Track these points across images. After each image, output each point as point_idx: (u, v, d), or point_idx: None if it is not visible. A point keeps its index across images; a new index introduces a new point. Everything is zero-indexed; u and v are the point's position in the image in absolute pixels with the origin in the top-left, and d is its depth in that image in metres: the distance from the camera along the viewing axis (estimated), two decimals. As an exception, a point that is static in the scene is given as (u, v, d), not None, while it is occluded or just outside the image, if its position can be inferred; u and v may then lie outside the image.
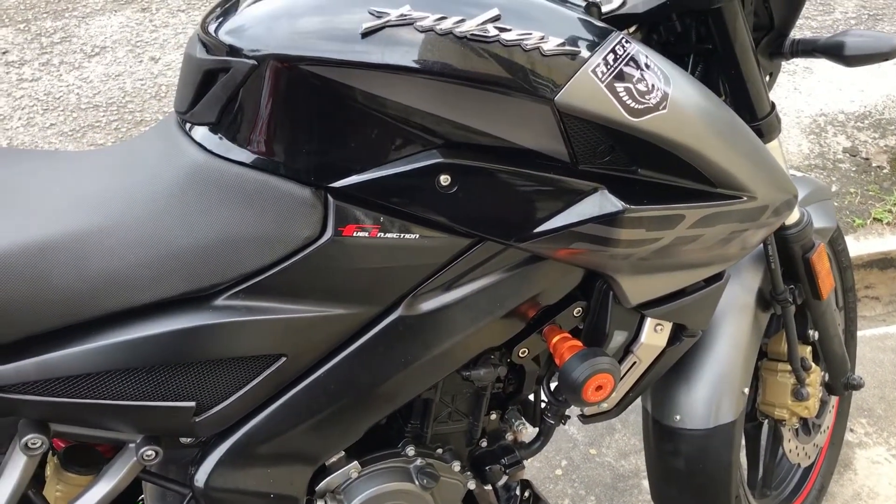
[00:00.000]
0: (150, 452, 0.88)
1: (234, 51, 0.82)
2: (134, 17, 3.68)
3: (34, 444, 0.83)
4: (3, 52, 3.40)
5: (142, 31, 3.58)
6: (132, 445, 0.89)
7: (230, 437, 0.91)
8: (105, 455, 0.94)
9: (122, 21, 3.65)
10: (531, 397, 1.18)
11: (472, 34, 0.79)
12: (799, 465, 1.68)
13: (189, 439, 0.94)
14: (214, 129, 0.86)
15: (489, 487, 1.19)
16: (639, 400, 1.35)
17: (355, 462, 1.02)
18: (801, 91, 3.34)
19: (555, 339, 1.01)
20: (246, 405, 0.90)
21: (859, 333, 2.15)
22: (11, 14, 3.70)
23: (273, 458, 0.94)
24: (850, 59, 1.09)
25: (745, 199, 0.96)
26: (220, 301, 0.84)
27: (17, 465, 0.85)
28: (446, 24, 0.79)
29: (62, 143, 2.89)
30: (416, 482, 1.05)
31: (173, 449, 0.93)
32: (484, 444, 1.17)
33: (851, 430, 2.02)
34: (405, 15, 0.79)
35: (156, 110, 3.07)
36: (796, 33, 1.15)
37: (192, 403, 0.86)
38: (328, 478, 1.01)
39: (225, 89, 0.83)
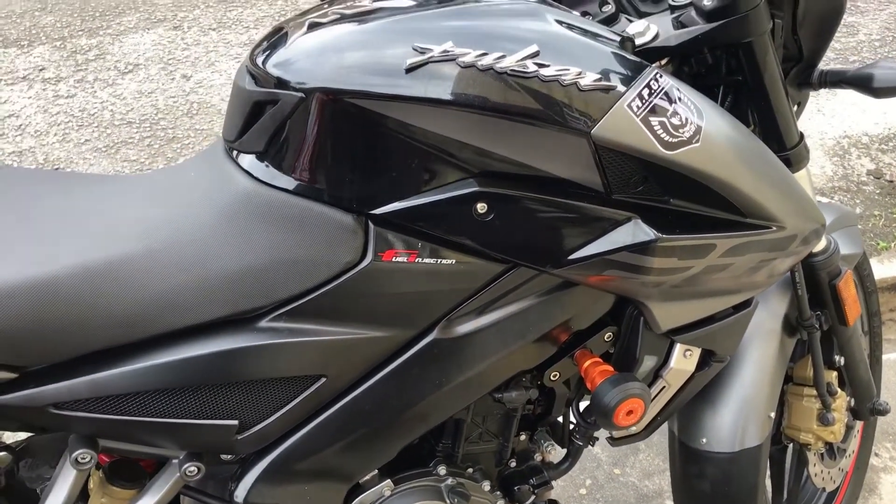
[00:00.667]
0: (192, 468, 0.91)
1: (281, 83, 0.85)
2: (166, 35, 3.75)
3: (83, 458, 0.86)
4: (40, 69, 3.48)
5: (174, 48, 3.64)
6: (175, 461, 0.92)
7: (269, 455, 0.94)
8: (147, 470, 0.97)
9: (155, 39, 3.72)
10: (560, 419, 1.20)
11: (511, 70, 0.82)
12: (824, 489, 1.68)
13: (230, 456, 0.96)
14: (261, 157, 0.89)
15: (518, 506, 1.21)
16: (666, 422, 1.36)
17: (388, 480, 1.04)
18: (825, 113, 3.34)
19: (586, 364, 1.03)
20: (285, 424, 0.92)
21: (885, 357, 2.15)
22: (48, 32, 3.78)
23: (309, 476, 0.97)
24: (879, 91, 1.10)
25: (775, 228, 0.98)
26: (263, 323, 0.87)
27: (68, 478, 0.88)
28: (487, 60, 0.81)
29: (96, 159, 2.95)
30: (448, 501, 1.06)
31: (214, 465, 0.96)
32: (513, 464, 1.19)
33: (876, 455, 2.01)
34: (448, 51, 0.82)
35: (187, 127, 3.13)
36: (831, 66, 1.17)
37: (235, 422, 0.89)
38: (362, 495, 1.03)
39: (273, 120, 0.86)
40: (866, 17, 4.03)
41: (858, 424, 1.72)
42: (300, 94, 0.83)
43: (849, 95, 3.41)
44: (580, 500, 1.89)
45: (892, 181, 2.94)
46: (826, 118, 3.30)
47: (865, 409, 1.55)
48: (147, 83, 3.39)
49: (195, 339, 0.86)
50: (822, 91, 3.44)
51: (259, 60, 0.90)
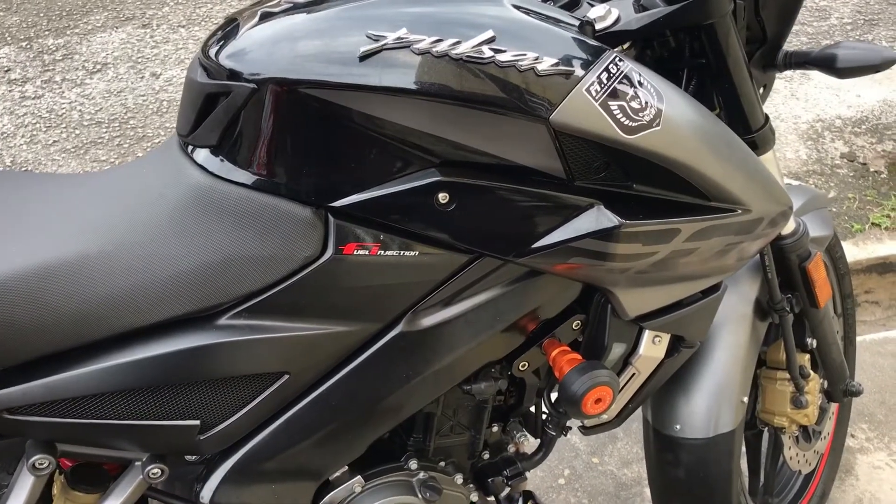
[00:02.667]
0: (155, 470, 0.90)
1: (234, 75, 0.84)
2: (135, 33, 3.71)
3: (41, 464, 0.84)
4: (6, 71, 3.42)
5: (143, 47, 3.60)
6: (138, 464, 0.91)
7: (234, 454, 0.93)
8: (111, 473, 0.95)
9: (123, 38, 3.67)
10: (532, 409, 1.19)
11: (467, 56, 0.80)
12: (800, 471, 1.69)
13: (194, 457, 0.95)
14: (216, 151, 0.87)
15: (492, 499, 1.20)
16: (640, 409, 1.36)
17: (359, 476, 1.03)
18: (799, 97, 3.35)
19: (554, 353, 1.02)
20: (250, 423, 0.91)
21: (859, 338, 2.17)
22: (14, 32, 3.72)
23: (277, 474, 0.96)
24: (843, 72, 1.10)
25: (740, 211, 0.98)
26: (223, 320, 0.85)
27: (25, 485, 0.86)
28: (442, 47, 0.80)
29: (65, 161, 2.91)
30: (420, 495, 1.06)
31: (179, 466, 0.94)
32: (486, 456, 1.18)
33: (852, 436, 2.02)
34: (402, 38, 0.80)
35: (157, 126, 3.09)
36: (792, 40, 1.17)
37: (197, 422, 0.87)
38: (332, 492, 1.02)
39: (226, 113, 0.84)
40: (837, 2, 4.05)
41: (833, 407, 1.72)
42: (252, 86, 0.82)
43: (822, 79, 3.43)
44: (559, 490, 1.89)
45: (865, 164, 2.96)
46: (800, 102, 3.32)
47: (839, 391, 1.56)
48: (116, 82, 3.35)
49: (153, 338, 0.84)
50: (796, 76, 3.48)
51: (211, 52, 0.88)
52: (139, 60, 3.50)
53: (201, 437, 0.88)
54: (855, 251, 2.53)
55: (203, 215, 0.85)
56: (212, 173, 0.87)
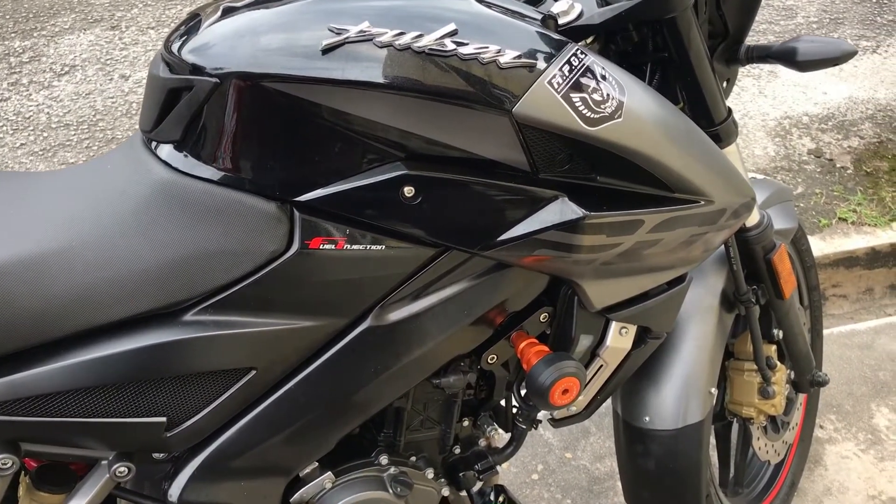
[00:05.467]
0: (122, 469, 0.89)
1: (196, 69, 0.83)
2: (103, 35, 3.67)
3: (5, 464, 0.83)
4: (-29, 73, 3.38)
5: (111, 49, 3.57)
6: (104, 462, 0.90)
7: (203, 452, 0.92)
8: (78, 473, 0.94)
9: (92, 39, 3.64)
10: (503, 403, 1.19)
11: (430, 49, 0.81)
12: (769, 462, 1.71)
13: (162, 454, 0.94)
14: (179, 146, 0.87)
15: (464, 493, 1.20)
16: (611, 402, 1.37)
17: (329, 472, 1.03)
18: (767, 95, 3.39)
19: (522, 345, 1.02)
20: (217, 419, 0.90)
21: (827, 331, 2.20)
22: (-22, 34, 3.68)
23: (246, 471, 0.95)
24: (803, 65, 1.11)
25: (703, 203, 0.99)
26: (188, 316, 0.85)
27: (-11, 485, 0.85)
28: (405, 40, 0.80)
29: (33, 163, 2.88)
30: (390, 491, 1.05)
31: (146, 464, 0.94)
32: (457, 450, 1.18)
33: (821, 427, 2.05)
34: (364, 31, 0.80)
35: (127, 128, 3.06)
36: (760, 38, 1.18)
37: (163, 419, 0.87)
38: (302, 489, 1.01)
39: (188, 107, 0.84)
40: (803, 0, 4.10)
41: (801, 397, 1.75)
42: (215, 80, 0.82)
43: (790, 76, 3.47)
44: (532, 485, 1.89)
45: (831, 160, 3.00)
46: (768, 100, 3.35)
47: (805, 381, 1.58)
48: (84, 84, 3.31)
49: (117, 335, 0.83)
50: (764, 74, 3.52)
51: (174, 47, 0.88)
52: (108, 62, 3.47)
53: (168, 435, 0.88)
54: (822, 245, 2.56)
55: (167, 211, 0.85)
56: (175, 169, 0.86)
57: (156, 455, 0.94)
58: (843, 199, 2.77)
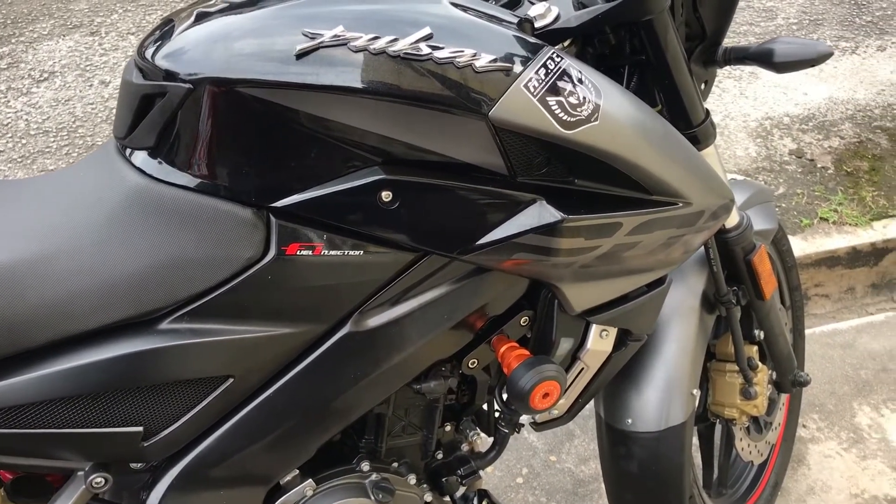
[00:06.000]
0: (99, 480, 0.88)
1: (169, 75, 0.83)
2: (83, 41, 3.65)
3: (-21, 476, 0.82)
4: (-51, 80, 3.35)
5: (91, 55, 3.54)
6: (81, 473, 0.89)
7: (181, 461, 0.91)
8: (54, 485, 0.93)
9: (71, 45, 3.61)
10: (485, 407, 1.19)
11: (405, 53, 0.80)
12: (752, 462, 1.71)
13: (139, 464, 0.93)
14: (153, 153, 0.86)
15: (447, 499, 1.20)
16: (593, 405, 1.37)
17: (310, 480, 1.02)
18: (748, 96, 3.40)
19: (502, 349, 1.02)
20: (195, 428, 0.90)
21: (810, 331, 2.21)
22: (-44, 41, 3.65)
23: (226, 480, 0.94)
24: (780, 66, 1.12)
25: (681, 205, 0.99)
26: (164, 325, 0.84)
27: (-37, 498, 0.84)
28: (379, 44, 0.80)
29: (11, 170, 2.85)
30: (372, 497, 1.05)
31: (123, 475, 0.93)
32: (440, 455, 1.18)
33: (804, 426, 2.06)
34: (338, 36, 0.80)
35: (107, 134, 3.04)
36: (740, 39, 1.19)
37: (140, 428, 0.86)
38: (283, 497, 1.01)
39: (162, 114, 0.83)
40: (784, 2, 4.12)
41: (784, 397, 1.75)
42: (188, 86, 0.81)
43: (770, 78, 3.49)
44: (517, 489, 1.89)
45: (812, 160, 3.01)
46: (749, 101, 3.37)
47: (787, 382, 1.59)
48: (64, 91, 3.29)
49: (92, 344, 0.82)
50: (745, 76, 3.53)
51: (147, 53, 0.87)
52: (87, 68, 3.44)
53: (145, 444, 0.87)
54: (804, 245, 2.57)
55: (141, 218, 0.84)
56: (150, 176, 0.86)
57: (133, 465, 0.93)
58: (825, 198, 2.79)
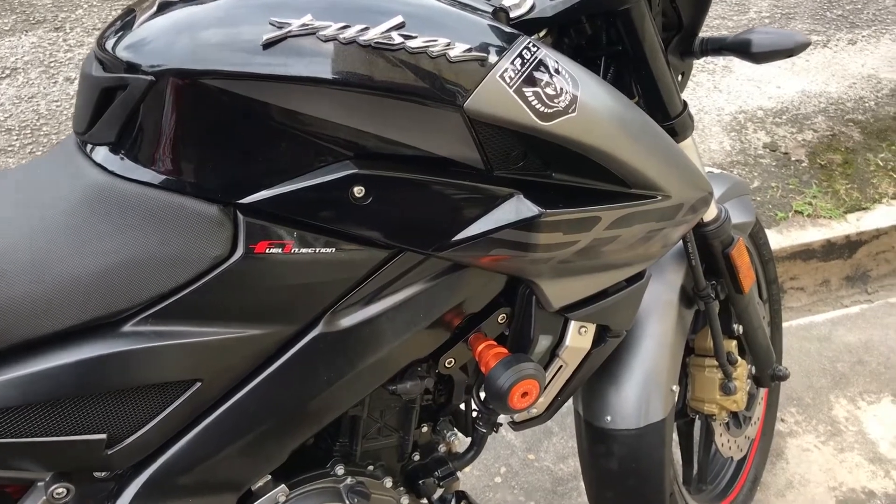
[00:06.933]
0: (60, 490, 0.84)
1: (131, 67, 0.79)
2: (46, 36, 3.57)
3: (-67, 489, 0.79)
4: None
5: (55, 51, 3.47)
6: (41, 484, 0.85)
7: (147, 468, 0.88)
8: (13, 496, 0.89)
9: (34, 41, 3.53)
10: (462, 407, 1.17)
11: (376, 42, 0.77)
12: (732, 458, 1.70)
13: (103, 473, 0.90)
14: (115, 149, 0.82)
15: (424, 501, 1.17)
16: (572, 402, 1.35)
17: (283, 485, 0.99)
18: (722, 90, 3.41)
19: (480, 348, 1.00)
20: (162, 434, 0.86)
21: (786, 324, 2.21)
22: (-84, 38, 3.55)
23: (195, 487, 0.91)
24: (757, 56, 1.11)
25: (660, 198, 0.97)
26: (127, 327, 0.80)
27: (-85, 512, 0.80)
28: (350, 33, 0.77)
29: (-26, 170, 2.78)
30: (347, 502, 1.02)
31: (87, 484, 0.89)
32: (416, 457, 1.16)
33: (782, 420, 2.06)
34: (307, 25, 0.77)
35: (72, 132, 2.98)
36: (713, 33, 1.17)
37: (103, 436, 0.82)
38: (255, 503, 0.98)
39: (123, 107, 0.80)
40: (755, -4, 4.14)
41: (762, 392, 1.75)
42: (150, 78, 0.77)
43: (744, 71, 3.50)
44: (495, 488, 1.87)
45: (786, 153, 3.02)
46: (723, 95, 3.37)
47: (766, 376, 1.58)
48: (27, 88, 3.21)
49: (52, 349, 0.78)
50: (718, 69, 3.54)
51: (107, 45, 0.83)
52: (52, 65, 3.37)
53: (109, 452, 0.83)
54: (779, 238, 2.57)
55: (103, 217, 0.80)
56: (112, 172, 0.82)
57: (97, 474, 0.89)
58: (799, 192, 2.79)
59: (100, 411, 0.82)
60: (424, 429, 1.14)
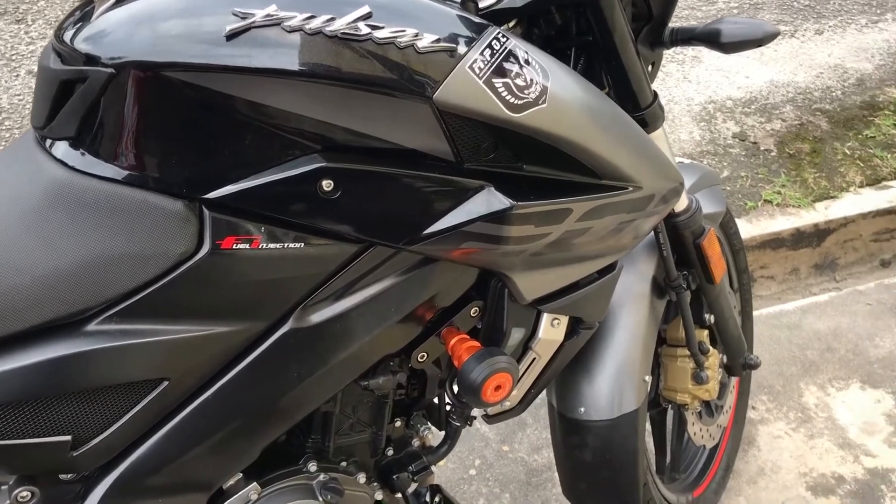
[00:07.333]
0: (25, 493, 0.82)
1: (90, 59, 0.77)
2: (8, 29, 3.50)
3: None
4: None
5: (17, 43, 3.40)
6: (5, 487, 0.83)
7: (114, 470, 0.86)
8: (-23, 500, 0.87)
9: (-4, 34, 3.47)
10: (436, 401, 1.16)
11: (342, 33, 0.76)
12: (704, 446, 1.71)
13: (69, 475, 0.88)
14: (75, 144, 0.80)
15: (399, 496, 1.17)
16: (546, 394, 1.35)
17: (254, 483, 0.98)
18: (691, 80, 3.43)
19: (453, 341, 0.99)
20: (129, 434, 0.84)
21: (756, 313, 2.23)
22: None
23: (164, 488, 0.89)
24: (727, 46, 1.11)
25: (631, 189, 0.97)
26: (91, 326, 0.78)
27: None
28: (315, 24, 0.76)
29: (-65, 166, 2.72)
30: (320, 499, 1.01)
31: (52, 487, 0.87)
32: (390, 452, 1.15)
33: (753, 408, 2.08)
34: (271, 15, 0.75)
35: (37, 126, 2.92)
36: (682, 23, 1.17)
37: (68, 437, 0.80)
38: (226, 502, 0.96)
39: (83, 101, 0.78)
40: (723, -14, 4.16)
41: (733, 380, 1.76)
42: (111, 70, 0.75)
43: (713, 61, 3.52)
44: (470, 481, 1.87)
45: (755, 143, 3.04)
46: (692, 85, 3.39)
47: (738, 365, 1.59)
48: (-11, 81, 3.16)
49: (14, 350, 0.76)
50: (688, 59, 3.55)
51: (66, 36, 0.81)
52: (13, 58, 3.31)
53: (74, 454, 0.81)
54: (749, 228, 2.59)
55: (64, 214, 0.78)
56: (72, 168, 0.80)
57: (62, 476, 0.87)
58: (768, 181, 2.82)
59: (64, 413, 0.80)
60: (398, 423, 1.14)
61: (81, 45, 0.79)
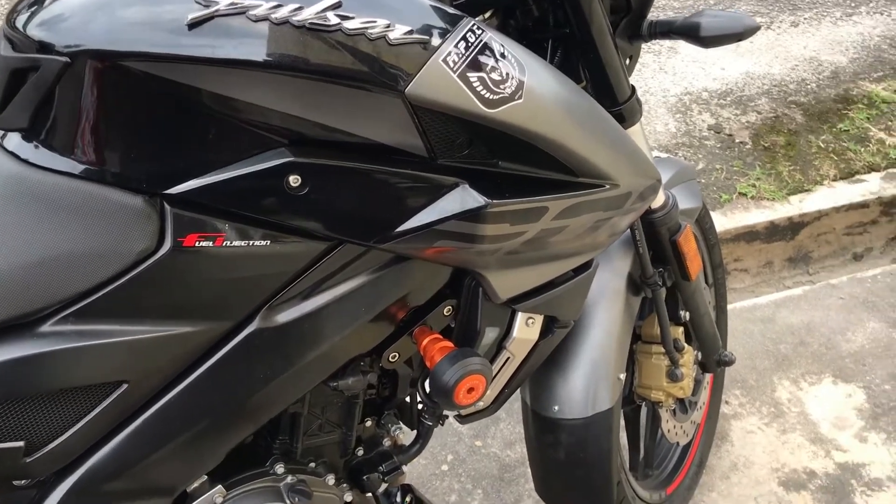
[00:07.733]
0: (-25, 500, 0.79)
1: (44, 47, 0.73)
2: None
3: None
4: None
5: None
6: (-45, 495, 0.80)
7: (72, 475, 0.82)
8: (-73, 508, 0.84)
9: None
10: (407, 400, 1.14)
11: (311, 23, 0.73)
12: (678, 443, 1.71)
13: (23, 481, 0.84)
14: (29, 136, 0.76)
15: (369, 495, 1.14)
16: (519, 392, 1.33)
17: (220, 486, 0.95)
18: (667, 71, 3.42)
19: (425, 341, 0.97)
20: (86, 439, 0.81)
21: (730, 306, 2.23)
22: None
23: (124, 493, 0.86)
24: (706, 40, 1.09)
25: (608, 186, 0.94)
26: (46, 327, 0.75)
27: None
28: (282, 13, 0.72)
29: None
30: (288, 501, 0.98)
31: (5, 493, 0.84)
32: (360, 452, 1.12)
33: (726, 402, 2.07)
34: (236, 3, 0.72)
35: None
36: (659, 14, 1.15)
37: (21, 443, 0.77)
38: (190, 506, 0.93)
39: (36, 90, 0.74)
40: (700, -23, 4.16)
41: (708, 377, 1.75)
42: (65, 59, 0.72)
43: (689, 53, 3.51)
44: (442, 476, 1.85)
45: (731, 135, 3.04)
46: (668, 76, 3.38)
47: (712, 362, 1.58)
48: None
49: None
50: (664, 50, 3.54)
51: (18, 22, 0.77)
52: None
53: (28, 460, 0.78)
54: (724, 221, 2.59)
55: (16, 210, 0.75)
56: (26, 161, 0.76)
57: (16, 482, 0.84)
58: (743, 174, 2.82)
59: (17, 417, 0.76)
60: (368, 423, 1.11)
61: (34, 31, 0.75)
